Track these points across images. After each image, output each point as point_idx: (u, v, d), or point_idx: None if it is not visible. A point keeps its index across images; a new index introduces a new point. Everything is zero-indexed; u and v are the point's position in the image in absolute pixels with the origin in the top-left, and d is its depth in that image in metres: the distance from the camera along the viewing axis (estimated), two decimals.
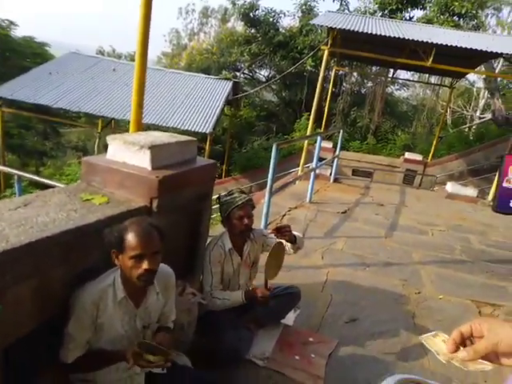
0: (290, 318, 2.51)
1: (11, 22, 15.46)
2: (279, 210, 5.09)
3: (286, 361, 2.11)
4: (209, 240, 2.43)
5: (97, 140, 11.77)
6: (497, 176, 6.87)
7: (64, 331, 1.45)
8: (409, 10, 14.00)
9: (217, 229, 3.51)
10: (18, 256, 1.25)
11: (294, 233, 2.31)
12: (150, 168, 1.94)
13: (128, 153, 1.98)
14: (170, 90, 11.99)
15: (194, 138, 2.44)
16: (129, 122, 2.85)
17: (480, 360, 0.68)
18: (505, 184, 6.50)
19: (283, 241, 2.23)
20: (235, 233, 2.26)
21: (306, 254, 3.78)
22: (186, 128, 10.12)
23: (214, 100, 11.63)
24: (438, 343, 0.83)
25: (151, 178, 1.87)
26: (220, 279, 2.27)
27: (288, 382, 2.00)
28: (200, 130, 10.17)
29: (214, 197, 2.59)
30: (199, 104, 11.34)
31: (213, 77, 13.79)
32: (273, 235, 2.30)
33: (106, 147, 2.10)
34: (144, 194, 1.88)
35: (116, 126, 13.55)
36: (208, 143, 10.39)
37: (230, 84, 12.79)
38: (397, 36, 7.04)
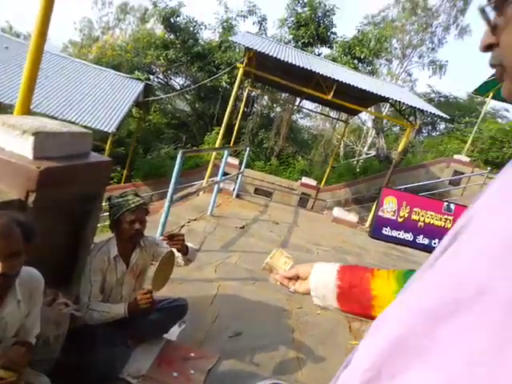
0: (173, 333, 2.42)
1: None
2: (179, 220, 4.98)
3: (163, 378, 2.01)
4: (93, 246, 2.23)
5: None
6: (374, 205, 7.81)
7: None
8: (318, 46, 15.54)
9: (105, 236, 3.26)
10: None
11: (188, 244, 2.25)
12: (31, 157, 1.71)
13: (6, 136, 1.73)
14: (74, 80, 11.00)
15: (89, 131, 2.24)
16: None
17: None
18: (380, 213, 7.41)
19: (175, 251, 2.14)
20: (124, 238, 2.10)
21: (200, 266, 3.74)
22: (86, 124, 9.33)
23: (121, 99, 11.01)
24: (280, 264, 1.03)
25: (31, 168, 1.64)
26: (100, 289, 2.08)
27: None
28: (102, 129, 9.48)
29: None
30: (104, 101, 10.61)
31: (123, 74, 13.08)
32: (165, 244, 2.19)
33: None
34: (20, 185, 1.64)
35: (1, 110, 11.81)
36: (109, 143, 9.72)
37: (141, 85, 12.28)
38: (306, 67, 7.64)
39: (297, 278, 0.97)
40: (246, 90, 11.85)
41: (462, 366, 0.36)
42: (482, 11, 0.47)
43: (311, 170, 14.57)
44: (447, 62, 19.62)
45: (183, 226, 4.94)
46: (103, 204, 2.33)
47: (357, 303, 0.85)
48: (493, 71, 0.49)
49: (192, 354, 2.23)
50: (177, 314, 2.36)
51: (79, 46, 24.94)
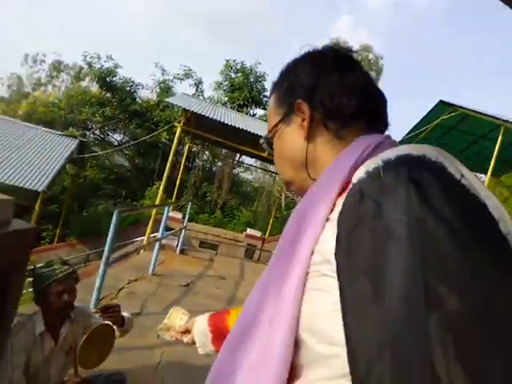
0: None
1: None
2: (117, 283, 4.66)
3: None
4: (16, 321, 1.99)
5: None
6: None
7: None
8: (253, 107, 16.52)
9: (29, 308, 2.94)
10: None
11: (124, 314, 2.10)
12: None
13: None
14: (2, 139, 10.38)
15: (10, 198, 2.09)
16: None
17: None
18: None
19: (109, 323, 1.97)
20: (51, 312, 1.91)
21: (141, 333, 3.46)
22: (13, 183, 8.70)
23: (53, 156, 10.56)
24: (177, 321, 1.18)
25: None
26: (24, 371, 1.83)
27: None
28: (31, 187, 8.89)
29: (30, 267, 2.20)
30: (34, 158, 10.09)
31: (55, 132, 12.66)
32: (98, 316, 2.02)
33: None
34: None
35: None
36: (39, 202, 9.10)
37: (75, 142, 11.93)
38: (241, 127, 8.03)
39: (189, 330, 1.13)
40: (187, 146, 12.03)
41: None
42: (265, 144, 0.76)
43: (255, 221, 14.77)
44: None
45: (122, 288, 4.63)
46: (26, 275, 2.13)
47: (222, 340, 0.96)
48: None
49: None
50: None
51: (7, 101, 23.93)
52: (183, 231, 7.20)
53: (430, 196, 0.43)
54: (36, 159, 10.03)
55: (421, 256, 0.41)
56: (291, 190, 0.70)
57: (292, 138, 0.67)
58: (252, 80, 16.26)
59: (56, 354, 1.98)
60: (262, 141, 0.77)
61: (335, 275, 0.48)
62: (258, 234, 11.46)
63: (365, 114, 0.64)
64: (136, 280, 5.04)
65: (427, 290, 0.39)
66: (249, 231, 11.65)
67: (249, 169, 19.78)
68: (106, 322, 1.93)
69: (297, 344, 0.53)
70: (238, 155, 13.77)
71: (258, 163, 16.77)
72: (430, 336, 0.38)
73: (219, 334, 1.03)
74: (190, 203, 7.53)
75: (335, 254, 0.48)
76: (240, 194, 17.91)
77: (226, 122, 7.90)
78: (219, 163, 18.21)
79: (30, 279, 2.22)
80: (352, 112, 0.63)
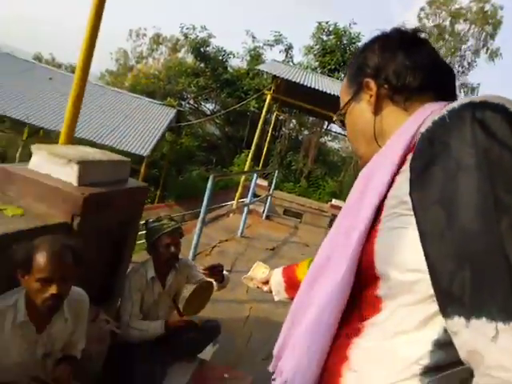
0: (207, 353, 2.45)
1: None
2: (210, 241, 5.06)
3: None
4: (131, 267, 2.33)
5: (20, 148, 10.83)
6: None
7: None
8: (345, 72, 15.57)
9: (140, 256, 3.37)
10: None
11: (224, 272, 2.30)
12: (75, 184, 1.85)
13: (53, 165, 1.88)
14: (111, 107, 11.65)
15: (128, 159, 2.39)
16: (59, 133, 2.70)
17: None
18: None
19: (212, 280, 2.19)
20: (160, 261, 2.19)
21: (232, 287, 3.75)
22: (122, 148, 9.80)
23: (155, 124, 11.52)
24: (259, 274, 1.34)
25: (76, 195, 1.78)
26: (139, 308, 2.16)
27: None
28: (137, 152, 9.91)
29: (142, 222, 2.51)
30: (140, 126, 11.14)
31: (157, 102, 13.71)
32: (200, 269, 2.26)
33: (30, 157, 1.96)
34: (66, 210, 1.77)
35: (45, 136, 12.64)
36: (144, 166, 10.12)
37: (173, 111, 12.81)
38: (332, 93, 7.74)
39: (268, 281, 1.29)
40: (274, 114, 12.07)
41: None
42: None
43: (341, 192, 14.42)
44: (479, 84, 19.10)
45: (214, 246, 5.02)
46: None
47: (293, 288, 1.12)
48: None
49: (226, 375, 2.25)
50: (210, 335, 2.39)
51: (115, 74, 26.45)
52: (269, 198, 7.40)
53: (494, 130, 0.49)
54: (141, 127, 11.08)
55: (489, 176, 0.47)
56: (365, 164, 0.74)
57: (361, 114, 0.75)
58: (345, 42, 15.35)
59: (163, 297, 2.27)
60: (334, 118, 0.86)
61: (411, 212, 0.55)
62: (342, 204, 11.21)
63: (430, 87, 0.70)
64: (226, 240, 5.41)
65: (497, 201, 0.46)
66: (334, 202, 11.45)
67: (337, 137, 19.14)
68: (209, 279, 2.15)
69: (375, 279, 0.62)
70: (326, 123, 13.38)
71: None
72: (502, 236, 0.45)
73: (291, 283, 1.18)
74: (276, 171, 7.64)
75: (410, 194, 0.55)
76: (326, 164, 17.53)
77: (316, 87, 7.69)
78: (306, 132, 17.95)
79: (142, 232, 2.55)
80: (417, 86, 0.69)
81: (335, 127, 15.40)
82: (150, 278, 2.17)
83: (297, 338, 0.72)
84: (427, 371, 0.56)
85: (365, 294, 0.64)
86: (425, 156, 0.54)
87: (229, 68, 17.26)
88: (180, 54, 24.30)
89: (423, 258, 0.52)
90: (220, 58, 17.04)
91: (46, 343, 1.44)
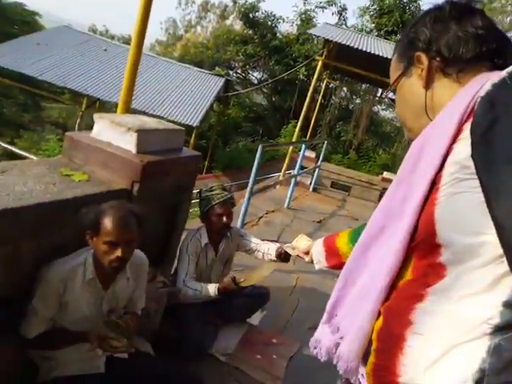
0: (256, 318, 2.53)
1: None
2: (256, 211, 5.12)
3: (247, 359, 2.13)
4: (185, 232, 2.42)
5: (79, 119, 11.47)
6: None
7: (28, 306, 1.41)
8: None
9: (193, 223, 3.49)
10: None
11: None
12: (134, 151, 1.92)
13: (114, 133, 1.95)
14: (162, 78, 11.85)
15: (182, 128, 2.43)
16: (115, 104, 2.81)
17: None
18: None
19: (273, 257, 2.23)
20: (212, 229, 2.26)
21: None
22: (173, 118, 10.02)
23: (204, 94, 11.58)
24: (301, 245, 1.45)
25: (135, 162, 1.85)
26: (195, 269, 2.26)
27: (248, 379, 2.01)
28: (187, 123, 10.09)
29: (195, 191, 2.58)
30: (189, 96, 11.26)
31: (206, 71, 13.72)
32: (252, 238, 2.37)
33: (88, 127, 2.06)
34: (126, 176, 1.85)
35: (101, 107, 13.24)
36: (193, 137, 10.32)
37: (222, 81, 12.77)
38: (389, 57, 7.24)
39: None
40: (325, 82, 11.62)
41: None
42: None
43: (394, 165, 13.79)
44: None
45: (261, 217, 5.08)
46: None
47: (333, 257, 1.24)
48: None
49: (274, 340, 2.33)
50: (259, 301, 2.47)
51: (165, 44, 26.74)
52: (317, 170, 7.27)
53: None
54: (190, 97, 11.20)
55: None
56: (414, 138, 0.74)
57: (412, 88, 0.75)
58: (405, 0, 14.16)
59: (216, 263, 2.36)
60: (384, 94, 0.85)
61: (474, 176, 0.56)
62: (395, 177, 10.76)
63: (485, 57, 0.68)
64: (273, 211, 5.44)
65: None
66: (386, 174, 11.01)
67: (391, 106, 18.09)
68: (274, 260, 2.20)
69: (435, 247, 0.63)
70: (380, 91, 12.66)
71: None
72: None
73: (331, 252, 1.26)
74: (325, 142, 7.45)
75: (472, 156, 0.56)
76: (378, 135, 16.75)
77: (371, 51, 7.24)
78: (357, 100, 17.16)
79: (195, 201, 2.62)
80: (470, 57, 0.67)
81: (390, 94, 14.53)
82: (203, 244, 2.26)
83: (351, 299, 0.78)
84: (497, 330, 0.58)
85: (423, 262, 0.66)
86: (486, 118, 0.54)
87: (278, 34, 16.71)
88: (228, 21, 23.93)
89: (489, 219, 0.53)
90: (269, 23, 16.50)
91: (110, 300, 1.56)
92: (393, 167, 13.40)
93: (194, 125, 10.10)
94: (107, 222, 1.39)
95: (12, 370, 1.50)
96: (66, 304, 1.45)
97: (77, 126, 11.16)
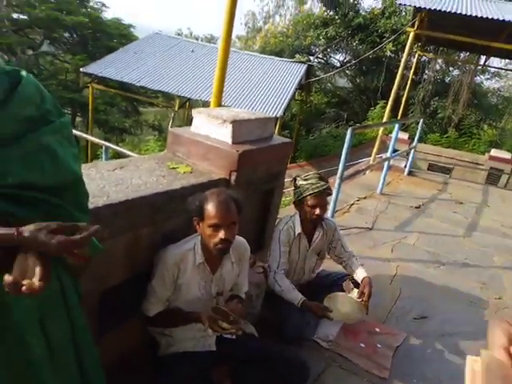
0: None
1: (103, 4, 16.62)
2: (347, 198, 4.95)
3: (350, 346, 2.08)
4: (278, 220, 2.44)
5: (171, 120, 12.36)
6: None
7: (148, 287, 1.57)
8: None
9: (285, 210, 3.52)
10: (116, 211, 1.37)
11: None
12: (230, 142, 1.99)
13: (211, 126, 2.05)
14: (244, 71, 12.11)
15: (273, 116, 2.45)
16: (203, 102, 2.93)
17: None
18: None
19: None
20: (306, 219, 2.22)
21: (374, 245, 3.65)
22: (257, 111, 10.20)
23: (286, 83, 11.53)
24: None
25: (232, 152, 1.91)
26: (287, 260, 2.26)
27: (351, 366, 1.97)
28: (271, 114, 10.18)
29: (287, 179, 2.57)
30: (271, 87, 11.32)
31: (287, 59, 13.63)
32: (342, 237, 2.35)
33: (178, 127, 2.17)
34: (224, 166, 1.94)
35: (190, 106, 14.10)
36: (278, 127, 10.37)
37: (303, 67, 12.56)
38: (494, 17, 6.31)
39: None
40: (416, 56, 10.66)
41: None
42: None
43: (502, 141, 12.15)
44: None
45: (353, 204, 4.90)
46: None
47: None
48: None
49: (377, 329, 2.23)
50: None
51: (245, 38, 27.21)
52: (412, 152, 6.74)
53: None
54: (272, 88, 11.26)
55: None
56: None
57: None
58: None
59: (309, 254, 2.33)
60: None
61: None
62: (506, 155, 9.47)
63: None
64: (365, 198, 5.20)
65: None
66: (494, 152, 9.77)
67: (497, 75, 15.84)
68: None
69: None
70: (484, 58, 11.15)
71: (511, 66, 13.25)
72: None
73: None
74: (421, 120, 6.84)
75: None
76: (482, 108, 14.83)
77: (472, 14, 6.39)
78: (455, 72, 15.41)
79: (287, 189, 2.61)
80: None
81: (495, 62, 12.78)
82: (297, 233, 2.24)
83: None
84: None
85: None
86: None
87: (361, 11, 15.78)
88: (307, 6, 23.33)
89: None
90: (351, 0, 15.66)
91: (218, 283, 1.65)
92: (501, 144, 11.80)
93: (278, 115, 10.13)
94: (210, 207, 1.47)
95: (137, 345, 1.69)
96: (180, 286, 1.57)
97: (169, 125, 12.05)
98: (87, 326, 1.10)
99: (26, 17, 14.06)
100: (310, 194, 2.13)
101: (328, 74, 16.40)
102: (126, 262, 1.52)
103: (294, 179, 2.25)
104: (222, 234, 1.46)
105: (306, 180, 2.18)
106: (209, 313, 1.46)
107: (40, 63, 15.25)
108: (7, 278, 0.70)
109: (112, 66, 11.40)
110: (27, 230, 0.74)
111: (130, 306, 1.61)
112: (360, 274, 2.25)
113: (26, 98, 0.86)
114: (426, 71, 14.76)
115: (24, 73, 0.88)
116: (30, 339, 0.93)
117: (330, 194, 2.25)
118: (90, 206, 1.12)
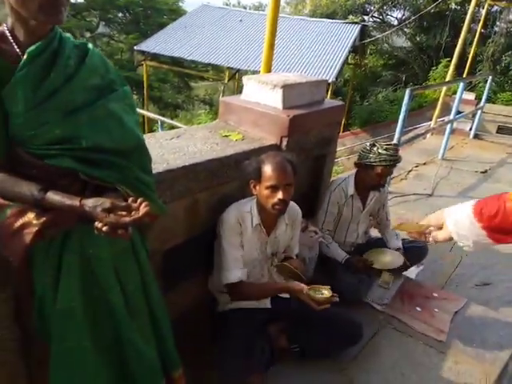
0: (412, 272, 2.41)
1: None
2: (404, 165, 4.74)
3: (406, 310, 2.07)
4: (331, 182, 2.41)
5: (221, 93, 12.44)
6: None
7: (218, 257, 1.62)
8: None
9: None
10: (176, 176, 1.46)
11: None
12: (281, 107, 1.99)
13: (261, 92, 2.06)
14: (294, 36, 11.72)
15: (325, 79, 2.39)
16: (253, 72, 2.92)
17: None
18: None
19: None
20: (364, 183, 2.18)
21: (435, 211, 3.49)
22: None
23: (338, 46, 11.00)
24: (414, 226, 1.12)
25: (282, 117, 1.92)
26: (334, 220, 2.25)
27: (406, 329, 1.96)
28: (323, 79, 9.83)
29: (340, 148, 2.51)
30: (323, 51, 10.87)
31: (338, 21, 12.93)
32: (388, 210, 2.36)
33: None
34: (275, 132, 1.95)
35: (240, 77, 14.04)
36: (330, 93, 10.02)
37: (357, 28, 11.85)
38: None
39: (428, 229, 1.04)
40: (486, 6, 9.55)
41: None
42: None
43: None
44: None
45: (410, 170, 4.69)
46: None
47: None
48: None
49: (435, 294, 2.19)
50: (417, 255, 2.32)
51: (294, 4, 26.12)
52: (479, 113, 6.19)
53: None
54: (324, 51, 10.80)
55: None
56: None
57: None
58: None
59: (363, 216, 2.31)
60: None
61: None
62: None
63: None
64: (425, 163, 4.94)
65: None
66: None
67: None
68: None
69: None
70: None
71: None
72: None
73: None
74: (489, 78, 6.22)
75: None
76: None
77: None
78: None
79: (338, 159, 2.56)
80: None
81: None
82: (349, 195, 2.22)
83: None
84: None
85: None
86: None
87: None
88: None
89: None
90: None
91: (273, 244, 1.71)
92: None
93: (330, 80, 9.75)
94: (267, 169, 1.51)
95: (197, 302, 1.82)
96: (243, 246, 1.64)
97: (220, 99, 12.16)
98: (155, 281, 1.22)
99: (83, 0, 14.67)
100: (383, 165, 2.08)
101: (384, 34, 15.29)
102: (186, 224, 1.62)
103: (373, 144, 2.15)
104: (279, 195, 1.50)
105: (385, 150, 2.08)
106: (306, 291, 1.50)
107: (98, 44, 15.98)
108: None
109: (163, 42, 11.62)
110: (87, 204, 0.87)
111: (190, 266, 1.73)
112: (393, 245, 2.29)
113: (92, 69, 0.94)
114: (498, 23, 13.20)
115: (90, 45, 0.96)
116: (109, 288, 1.05)
117: (399, 162, 2.18)
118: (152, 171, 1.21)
